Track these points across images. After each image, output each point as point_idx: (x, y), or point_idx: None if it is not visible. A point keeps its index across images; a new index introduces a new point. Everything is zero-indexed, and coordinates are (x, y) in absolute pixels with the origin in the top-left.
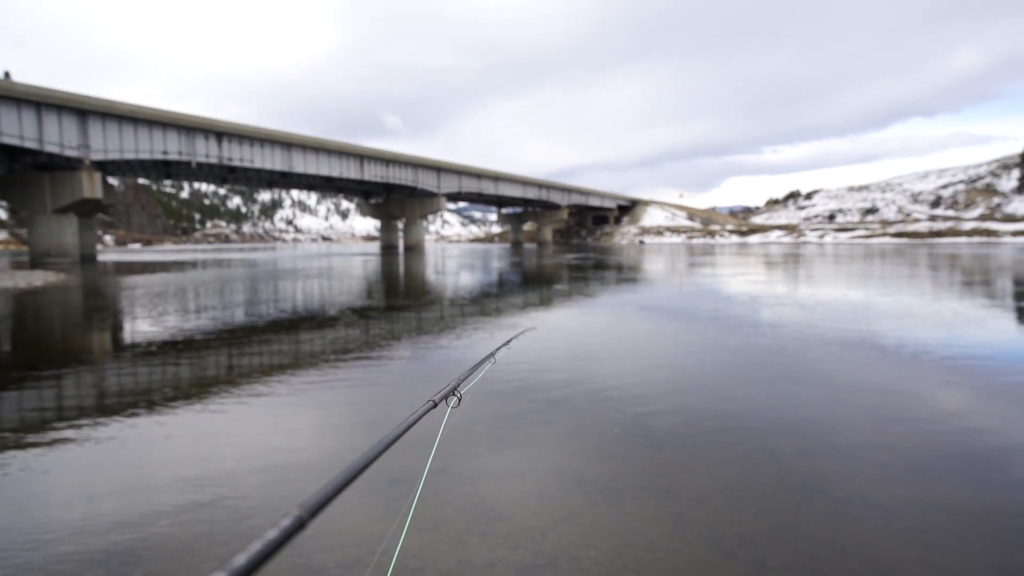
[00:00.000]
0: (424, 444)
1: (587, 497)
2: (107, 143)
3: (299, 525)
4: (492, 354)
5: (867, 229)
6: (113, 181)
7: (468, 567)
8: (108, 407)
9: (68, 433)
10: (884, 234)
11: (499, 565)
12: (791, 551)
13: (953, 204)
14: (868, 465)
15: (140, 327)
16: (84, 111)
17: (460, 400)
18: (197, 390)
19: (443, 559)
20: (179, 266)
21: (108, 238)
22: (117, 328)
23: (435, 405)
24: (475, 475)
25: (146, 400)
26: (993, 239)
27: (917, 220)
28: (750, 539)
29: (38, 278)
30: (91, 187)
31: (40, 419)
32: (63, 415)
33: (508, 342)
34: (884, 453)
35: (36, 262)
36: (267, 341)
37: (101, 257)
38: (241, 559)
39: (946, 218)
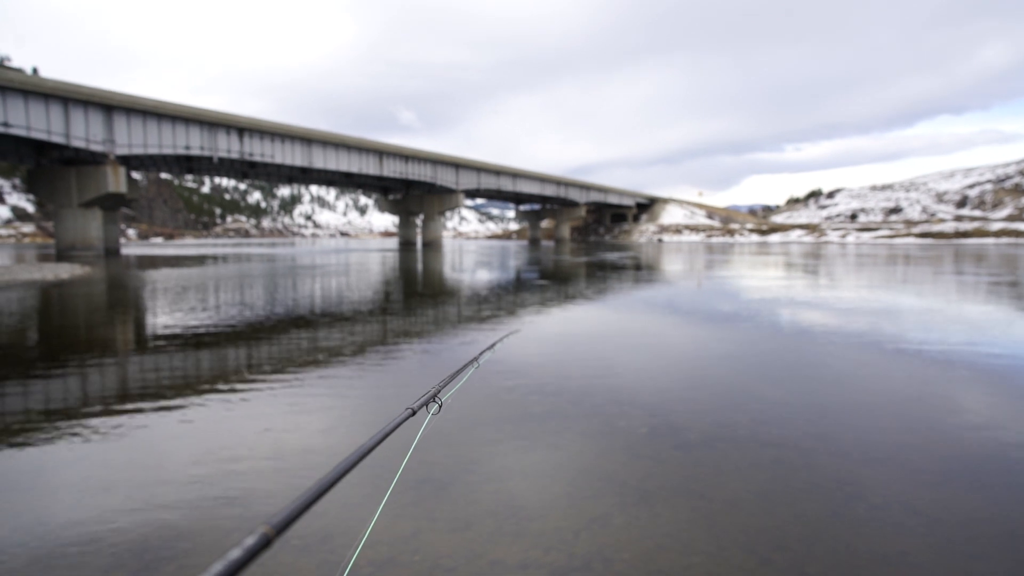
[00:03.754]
0: (448, 447)
1: (618, 498)
2: (131, 138)
3: (265, 543)
4: (475, 359)
5: (890, 229)
6: (136, 176)
7: (501, 568)
8: (136, 396)
9: (94, 422)
10: (908, 234)
11: (532, 567)
12: (830, 559)
13: (980, 204)
14: (905, 471)
15: (165, 320)
16: (109, 106)
17: (441, 407)
18: (219, 381)
19: (475, 560)
20: (201, 260)
21: (131, 232)
22: (143, 321)
23: (413, 413)
24: (503, 474)
25: (173, 390)
26: (1022, 240)
27: (942, 220)
28: (787, 545)
29: (64, 271)
30: (116, 181)
31: (73, 407)
32: (94, 403)
33: (492, 346)
34: (921, 458)
35: (62, 255)
36: (290, 337)
37: (124, 251)
38: None
39: (972, 218)
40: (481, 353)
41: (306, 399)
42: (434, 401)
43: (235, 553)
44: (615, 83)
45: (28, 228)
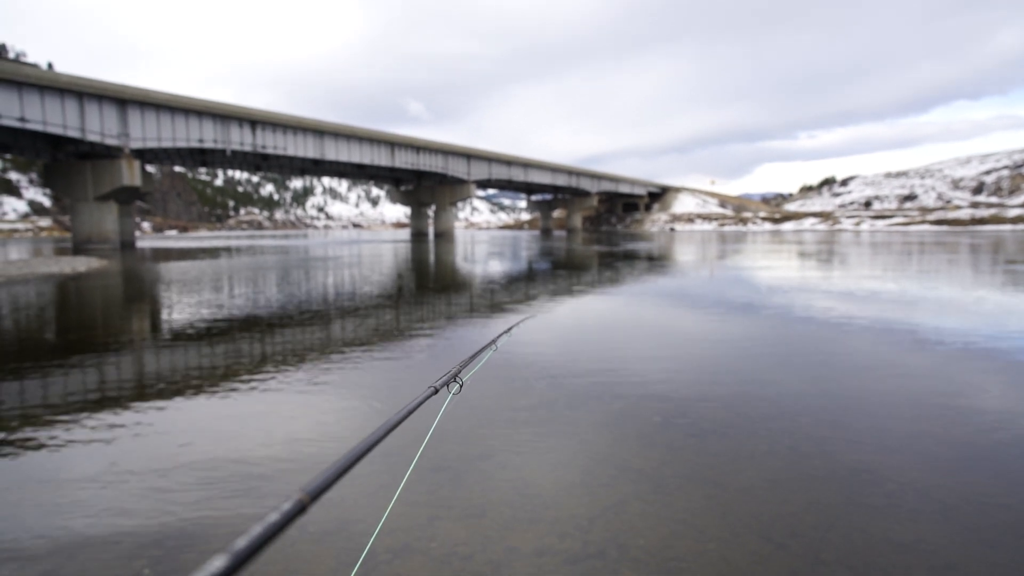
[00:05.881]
0: (455, 430)
1: (633, 486)
2: (146, 131)
3: (300, 509)
4: (494, 341)
5: (905, 216)
6: (151, 169)
7: (516, 555)
8: (155, 388)
9: (112, 413)
10: (923, 221)
11: (548, 553)
12: (845, 545)
13: (997, 190)
14: (920, 457)
15: (183, 313)
16: (123, 100)
17: (461, 387)
18: (236, 373)
19: (491, 547)
20: (215, 253)
21: (146, 225)
22: (160, 313)
23: (436, 391)
24: (518, 462)
25: (191, 382)
26: None
27: (958, 207)
28: (802, 532)
29: (81, 264)
30: (130, 175)
31: (91, 398)
32: (111, 396)
33: (509, 330)
34: (936, 445)
35: (79, 248)
36: (308, 327)
37: (140, 244)
38: (242, 542)
39: (989, 205)
40: (499, 336)
41: (324, 387)
42: (455, 381)
43: (273, 517)
44: (625, 72)
45: (45, 222)
